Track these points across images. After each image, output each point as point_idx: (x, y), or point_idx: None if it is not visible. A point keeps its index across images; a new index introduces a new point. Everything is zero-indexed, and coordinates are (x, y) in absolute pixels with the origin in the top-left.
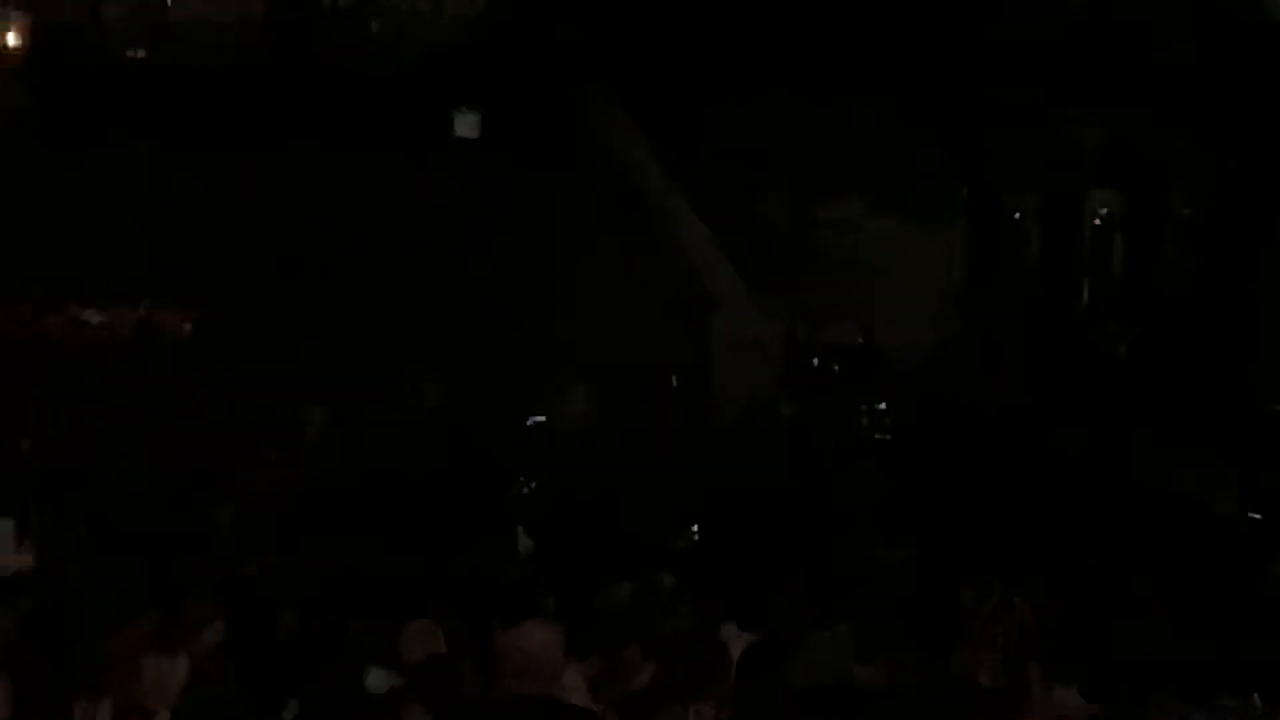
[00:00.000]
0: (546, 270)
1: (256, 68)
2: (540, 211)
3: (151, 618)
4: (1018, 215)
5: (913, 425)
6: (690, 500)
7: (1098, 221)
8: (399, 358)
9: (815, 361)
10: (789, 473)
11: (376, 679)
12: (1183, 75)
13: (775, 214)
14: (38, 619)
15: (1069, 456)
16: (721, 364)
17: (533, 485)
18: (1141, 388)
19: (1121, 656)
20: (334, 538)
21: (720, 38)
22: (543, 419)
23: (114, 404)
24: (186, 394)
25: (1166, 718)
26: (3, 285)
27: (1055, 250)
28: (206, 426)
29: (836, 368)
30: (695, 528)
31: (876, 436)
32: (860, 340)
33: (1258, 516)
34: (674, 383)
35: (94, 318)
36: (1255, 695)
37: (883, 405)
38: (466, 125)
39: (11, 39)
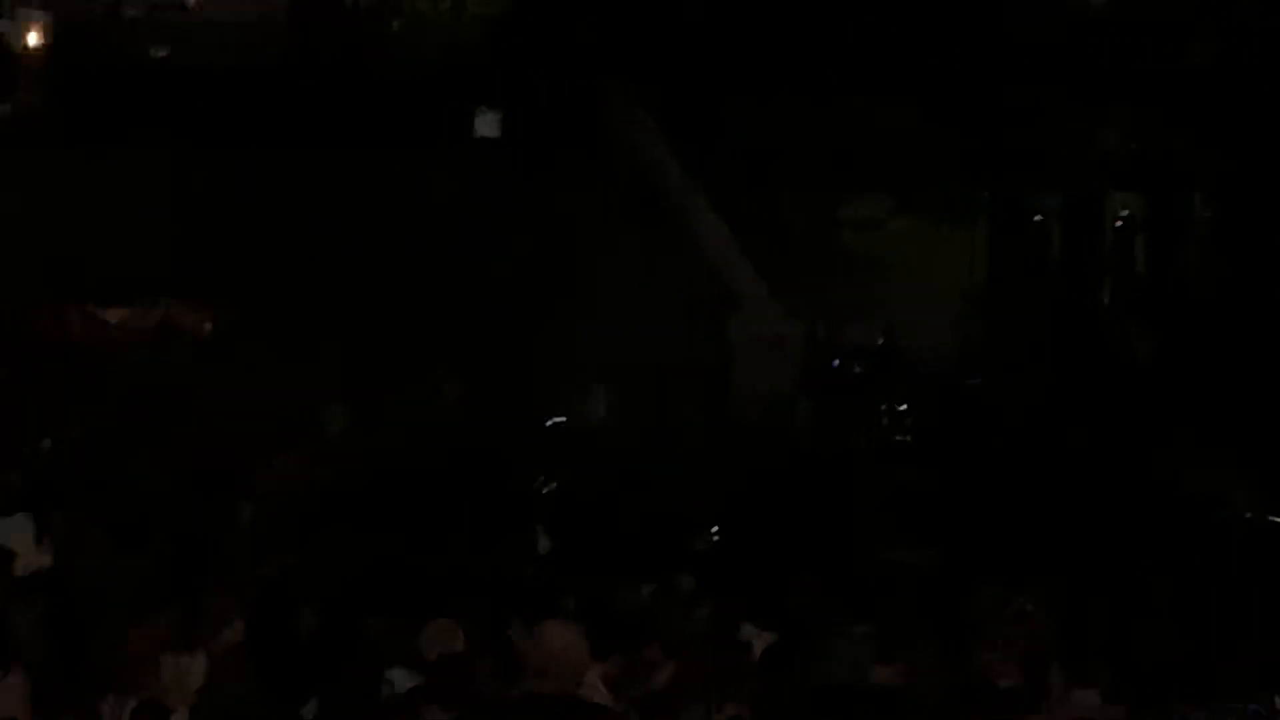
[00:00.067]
0: (566, 270)
1: (278, 67)
2: (560, 211)
3: (170, 616)
4: (1039, 216)
5: (933, 426)
6: (710, 501)
7: (1119, 222)
8: (419, 357)
9: (836, 362)
10: (809, 473)
11: (396, 678)
12: (1204, 75)
13: (796, 214)
14: (57, 617)
15: (1089, 457)
16: (742, 364)
17: (552, 485)
18: (1162, 388)
19: (1141, 658)
20: (353, 537)
21: (741, 36)
22: (562, 419)
23: (134, 403)
24: (207, 393)
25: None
26: (23, 284)
27: (1076, 251)
28: (227, 425)
29: (857, 368)
30: (715, 528)
31: (897, 437)
32: (881, 341)
33: (1279, 519)
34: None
35: (114, 317)
36: (1277, 698)
37: (903, 406)
38: (487, 124)
39: (33, 38)
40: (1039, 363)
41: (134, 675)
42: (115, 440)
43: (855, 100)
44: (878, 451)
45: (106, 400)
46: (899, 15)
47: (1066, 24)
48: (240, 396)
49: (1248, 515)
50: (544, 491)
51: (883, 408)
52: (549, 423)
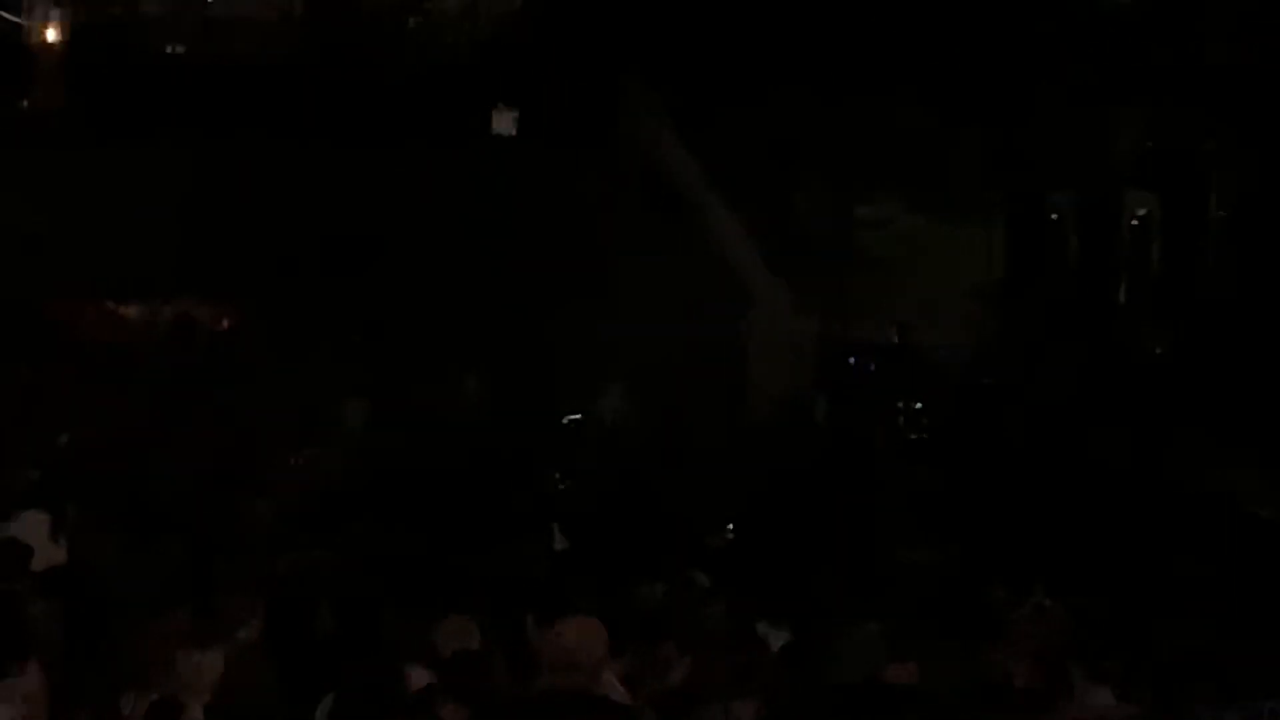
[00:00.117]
0: (582, 268)
1: (295, 65)
2: (577, 209)
3: (187, 613)
4: (1055, 214)
5: (949, 424)
6: (725, 498)
7: (1135, 221)
8: (435, 355)
9: (851, 360)
10: (824, 471)
11: (413, 675)
12: (1221, 74)
13: (812, 211)
14: (74, 613)
15: (1106, 456)
16: (757, 362)
17: (568, 483)
18: (1179, 387)
19: (1159, 657)
20: (370, 534)
21: (758, 33)
22: (578, 417)
23: (151, 399)
24: (223, 389)
25: (1204, 719)
26: (40, 281)
27: (1092, 249)
28: (244, 422)
29: (872, 366)
30: (730, 526)
31: (912, 435)
32: (896, 339)
33: None
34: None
35: (131, 313)
36: None
37: (918, 404)
38: (504, 122)
39: (51, 35)
40: (1054, 361)
41: (150, 671)
42: (132, 436)
43: (871, 98)
44: (893, 449)
45: (123, 396)
46: (915, 13)
47: (1083, 21)
48: (257, 393)
49: (1265, 513)
50: (560, 489)
51: (898, 406)
52: (565, 420)
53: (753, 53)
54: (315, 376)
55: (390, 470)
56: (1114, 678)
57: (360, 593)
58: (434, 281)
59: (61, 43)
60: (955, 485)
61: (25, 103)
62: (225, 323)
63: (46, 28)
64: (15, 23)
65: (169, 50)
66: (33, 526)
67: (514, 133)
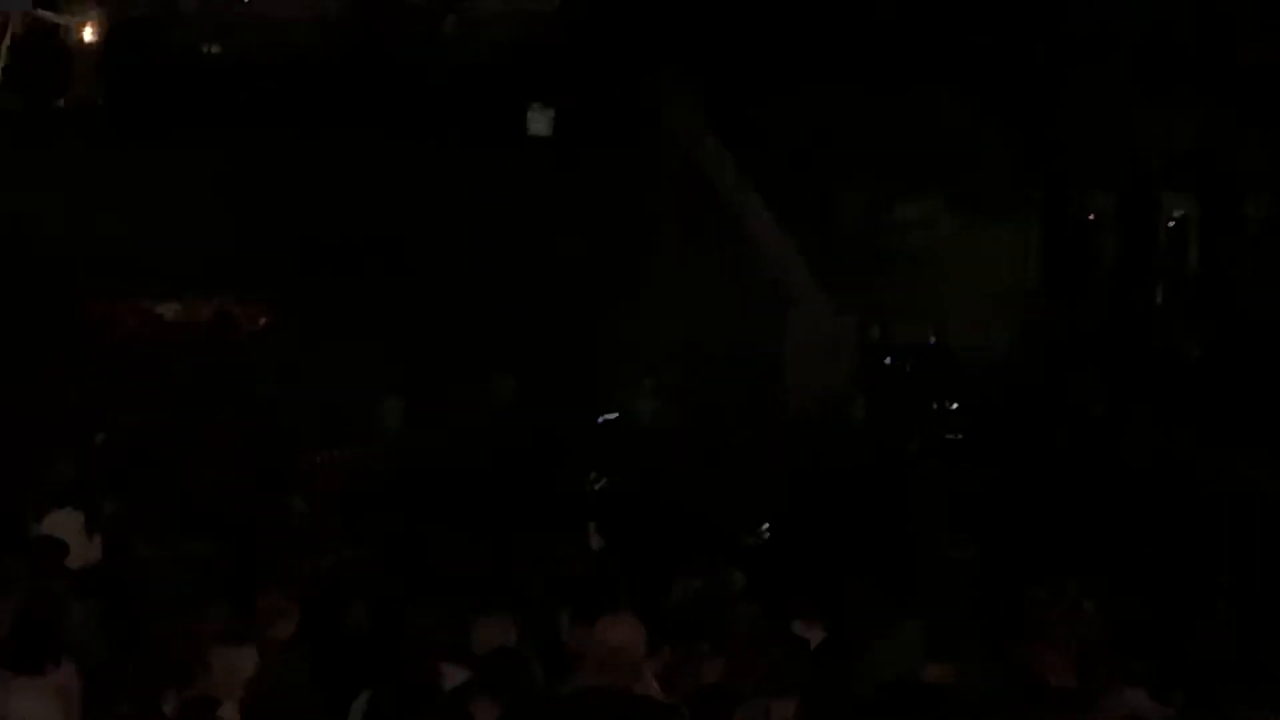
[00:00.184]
0: (619, 267)
1: (332, 63)
2: (614, 208)
3: (222, 610)
4: (1092, 215)
5: (984, 425)
6: (761, 498)
7: (1172, 223)
8: (472, 354)
9: (888, 360)
10: (860, 471)
11: (448, 673)
12: (1259, 75)
13: (849, 212)
14: (109, 610)
15: (1141, 457)
16: (794, 362)
17: (604, 482)
18: (1214, 389)
19: (1193, 658)
20: (406, 532)
21: (795, 32)
22: (614, 416)
23: (188, 397)
24: (261, 387)
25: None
26: (78, 278)
27: (1129, 251)
28: (280, 420)
29: (909, 367)
30: (766, 525)
31: (948, 435)
32: (933, 339)
33: None
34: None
35: (168, 311)
36: None
37: (954, 405)
38: (541, 122)
39: (89, 33)
40: (1090, 362)
41: (184, 669)
42: (168, 435)
43: (910, 98)
44: (929, 449)
45: (160, 394)
46: (953, 11)
47: (1121, 22)
48: (293, 392)
49: None
50: (596, 487)
51: (934, 406)
52: (601, 419)
53: (791, 52)
54: (352, 375)
55: (426, 469)
56: (1148, 678)
57: (395, 591)
58: (470, 280)
59: (99, 40)
60: (991, 486)
61: (63, 100)
62: (262, 321)
63: (85, 26)
64: (55, 21)
65: (205, 49)
66: (67, 524)
67: (551, 132)
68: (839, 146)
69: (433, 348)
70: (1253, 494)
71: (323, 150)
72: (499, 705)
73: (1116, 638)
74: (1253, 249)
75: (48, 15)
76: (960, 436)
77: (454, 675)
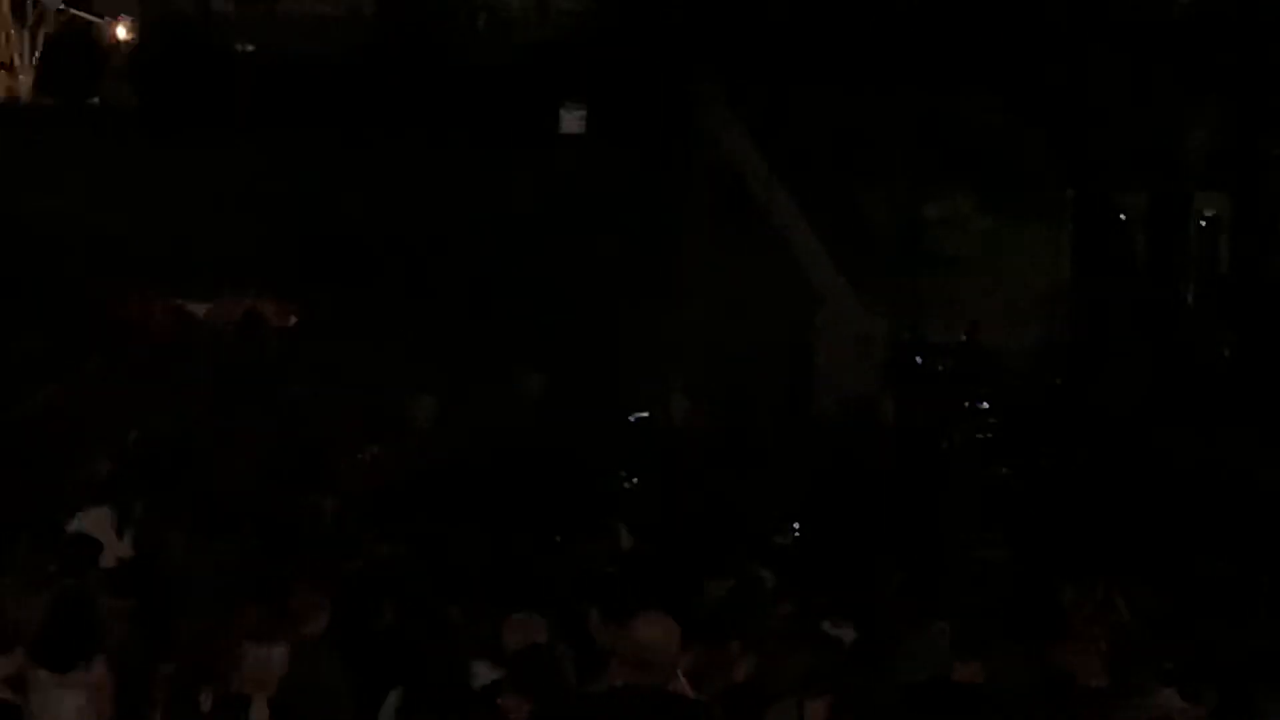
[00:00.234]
0: (650, 265)
1: (364, 62)
2: (645, 207)
3: (254, 608)
4: (1124, 215)
5: (1015, 423)
6: (792, 497)
7: (1204, 222)
8: (502, 351)
9: (918, 359)
10: (891, 470)
11: (478, 671)
12: None
13: (880, 211)
14: (142, 609)
15: (1173, 454)
16: (825, 360)
17: (634, 480)
18: (1246, 387)
19: (1226, 657)
20: (437, 530)
21: (827, 32)
22: (644, 414)
23: (221, 395)
24: (293, 385)
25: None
26: (110, 276)
27: (1161, 250)
28: (312, 418)
29: (940, 366)
30: (796, 524)
31: (979, 435)
32: (964, 338)
33: None
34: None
35: (200, 309)
36: None
37: (985, 404)
38: (572, 121)
39: (122, 32)
40: (1122, 360)
41: (216, 666)
42: (200, 433)
43: (941, 97)
44: (960, 448)
45: (192, 393)
46: (985, 12)
47: (1153, 21)
48: (324, 389)
49: None
50: (626, 486)
51: (965, 405)
52: (632, 418)
53: (823, 50)
54: (382, 373)
55: (457, 467)
56: (1181, 677)
57: (426, 589)
58: (501, 278)
59: (132, 39)
60: (1022, 484)
61: (96, 99)
62: (293, 319)
63: (118, 25)
64: (89, 19)
65: (238, 47)
66: (99, 522)
67: (582, 130)
68: (870, 145)
69: (463, 346)
70: None
71: (353, 149)
72: (529, 703)
73: (1148, 637)
74: None
75: (81, 14)
76: (991, 435)
77: (485, 673)
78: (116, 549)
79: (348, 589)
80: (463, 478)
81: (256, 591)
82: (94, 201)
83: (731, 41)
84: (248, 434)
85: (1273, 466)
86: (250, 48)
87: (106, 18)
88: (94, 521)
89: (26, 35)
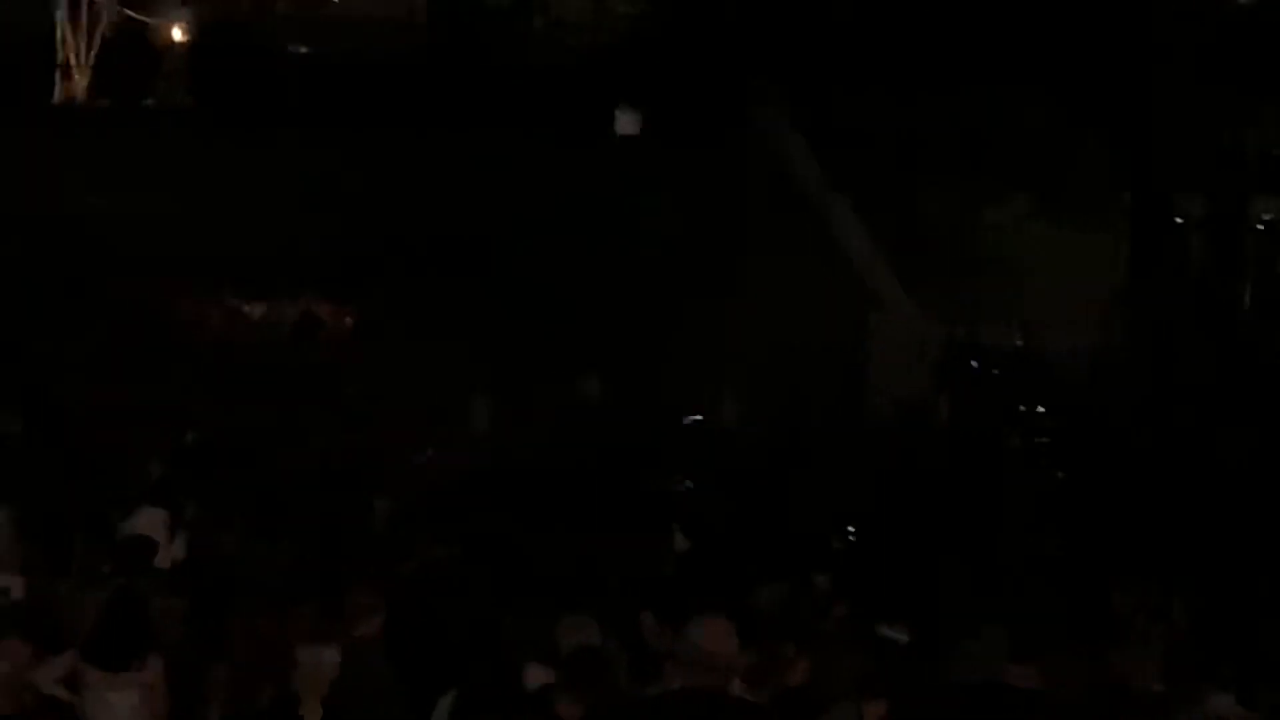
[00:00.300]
0: (706, 269)
1: (420, 64)
2: (700, 210)
3: (309, 608)
4: (1180, 218)
5: (1071, 427)
6: (847, 500)
7: (1261, 226)
8: (558, 355)
9: (974, 363)
10: (946, 474)
11: (531, 673)
12: None
13: (936, 214)
14: (196, 609)
15: (1230, 460)
16: (880, 364)
17: (689, 483)
18: None
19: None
20: (492, 532)
21: (883, 36)
22: (699, 418)
23: (277, 396)
24: (349, 387)
25: None
26: (165, 277)
27: (1218, 254)
28: (368, 420)
29: (995, 370)
30: (852, 528)
31: (1034, 439)
32: (1019, 342)
33: None
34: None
35: (256, 311)
36: None
37: (1041, 408)
38: (628, 122)
39: (177, 33)
40: (1179, 364)
41: (270, 666)
42: (256, 434)
43: (997, 101)
44: (1015, 452)
45: (248, 394)
46: (1040, 16)
47: (1212, 24)
48: (381, 392)
49: None
50: (681, 489)
51: (1021, 408)
52: (686, 421)
53: (880, 53)
54: (439, 375)
55: (513, 469)
56: (1236, 682)
57: (481, 591)
58: (558, 281)
59: (188, 40)
60: (1078, 488)
61: (152, 100)
62: (349, 321)
63: (173, 26)
64: (143, 21)
65: (293, 48)
66: (152, 523)
67: (638, 132)
68: (926, 148)
69: (520, 348)
70: None
71: (410, 150)
72: (583, 704)
73: (1204, 641)
74: None
75: (137, 16)
76: (1047, 439)
77: (539, 675)
78: (171, 550)
79: (402, 590)
80: (518, 480)
81: (311, 592)
82: (149, 202)
83: (788, 44)
84: (304, 435)
85: None
86: (305, 48)
87: (161, 19)
88: (148, 522)
89: (83, 37)
